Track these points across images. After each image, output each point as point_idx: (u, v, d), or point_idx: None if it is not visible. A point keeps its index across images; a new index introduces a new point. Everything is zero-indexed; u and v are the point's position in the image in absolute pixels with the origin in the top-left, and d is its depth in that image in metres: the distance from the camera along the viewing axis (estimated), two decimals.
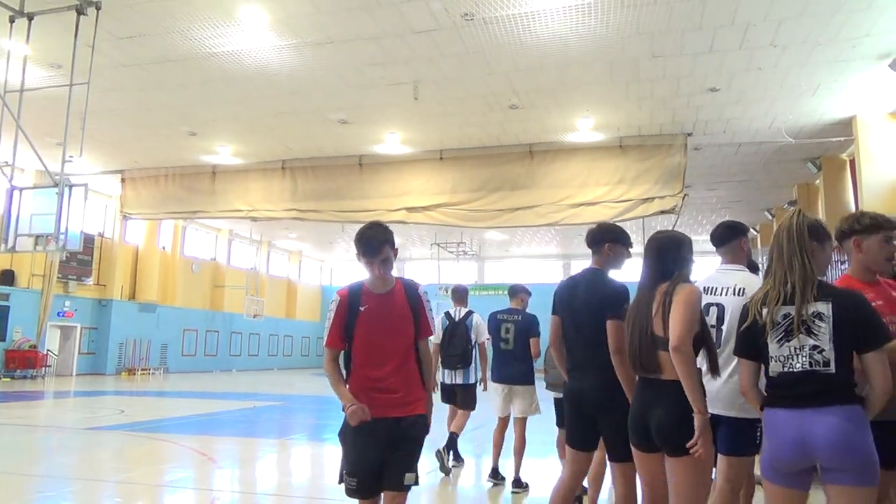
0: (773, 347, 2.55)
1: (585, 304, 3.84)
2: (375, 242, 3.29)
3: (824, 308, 2.44)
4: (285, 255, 41.90)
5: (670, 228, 4.50)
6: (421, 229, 23.74)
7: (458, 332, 7.02)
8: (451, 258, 33.45)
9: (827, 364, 2.42)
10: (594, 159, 17.43)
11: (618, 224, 4.28)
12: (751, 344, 2.68)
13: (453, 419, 7.30)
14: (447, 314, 7.31)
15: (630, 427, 3.20)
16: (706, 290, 3.71)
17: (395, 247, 3.41)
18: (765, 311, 2.60)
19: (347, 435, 3.25)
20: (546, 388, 6.07)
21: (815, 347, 2.43)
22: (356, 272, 3.81)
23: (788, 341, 2.49)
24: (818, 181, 20.92)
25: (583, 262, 25.75)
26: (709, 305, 3.60)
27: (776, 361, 2.54)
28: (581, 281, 3.97)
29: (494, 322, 6.65)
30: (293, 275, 42.78)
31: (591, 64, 13.70)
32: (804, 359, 2.45)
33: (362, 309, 3.32)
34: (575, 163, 17.42)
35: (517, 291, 6.89)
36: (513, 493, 6.33)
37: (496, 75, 14.27)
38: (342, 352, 3.36)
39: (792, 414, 2.49)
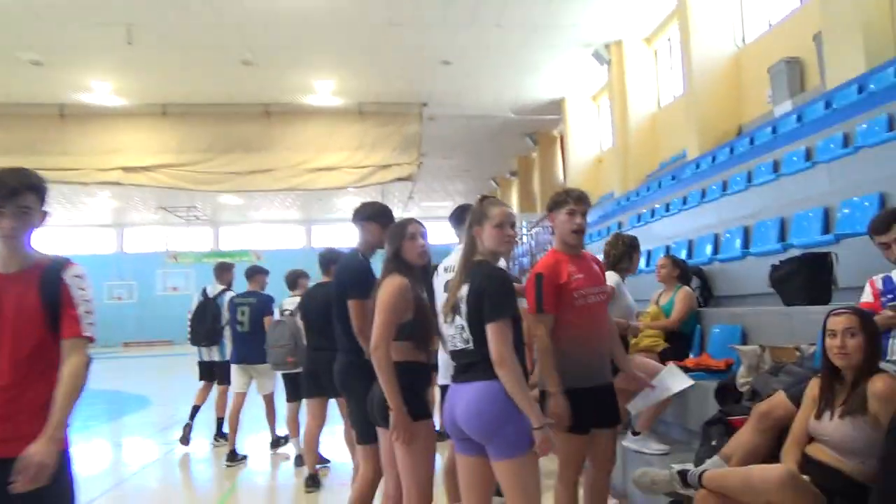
0: (446, 328, 2.69)
1: (336, 284, 3.70)
2: (12, 184, 2.17)
3: (464, 290, 2.57)
4: None
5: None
6: (144, 191, 21.19)
7: (207, 309, 6.94)
8: (180, 223, 30.74)
9: (468, 342, 2.55)
10: (334, 124, 17.09)
11: (377, 202, 3.92)
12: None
13: (204, 397, 7.11)
14: (203, 290, 7.17)
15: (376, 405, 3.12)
16: (446, 268, 3.67)
17: (45, 207, 2.29)
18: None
19: None
20: (272, 367, 6.14)
21: (461, 327, 2.58)
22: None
23: (453, 322, 2.64)
24: (535, 154, 23.16)
25: (323, 227, 25.25)
26: (446, 283, 3.54)
27: (448, 341, 2.70)
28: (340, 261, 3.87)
29: (232, 306, 6.65)
30: None
31: (330, 26, 13.22)
32: (457, 338, 2.61)
33: None
34: (314, 126, 16.89)
35: (254, 273, 6.87)
36: (296, 467, 6.09)
37: (226, 26, 13.05)
38: None
39: (451, 388, 2.66)
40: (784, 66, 10.17)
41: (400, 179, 16.90)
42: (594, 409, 3.03)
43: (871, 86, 7.08)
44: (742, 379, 3.67)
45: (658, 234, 8.61)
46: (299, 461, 5.90)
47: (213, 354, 7.01)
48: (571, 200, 3.15)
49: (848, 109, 7.07)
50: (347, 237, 28.63)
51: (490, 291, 2.50)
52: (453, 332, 2.63)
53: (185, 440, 6.90)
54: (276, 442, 6.71)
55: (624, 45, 15.15)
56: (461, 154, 23.50)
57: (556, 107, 18.87)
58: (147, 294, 31.48)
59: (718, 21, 11.97)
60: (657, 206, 10.23)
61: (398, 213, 4.04)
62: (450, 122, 19.37)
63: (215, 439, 7.02)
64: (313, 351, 4.99)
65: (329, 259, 5.28)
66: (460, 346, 2.60)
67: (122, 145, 16.36)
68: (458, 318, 2.59)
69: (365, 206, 3.82)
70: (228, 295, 6.96)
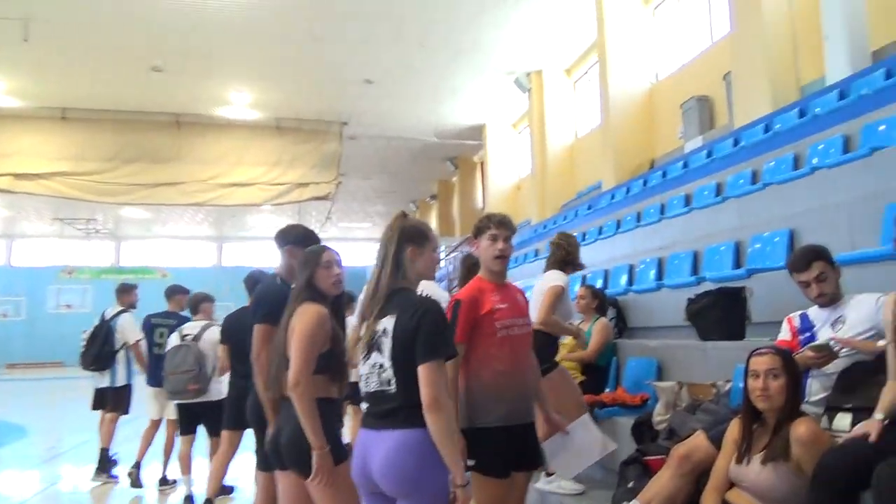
0: (360, 365, 2.37)
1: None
2: None
3: (389, 322, 2.25)
4: None
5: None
6: (38, 200, 19.68)
7: (100, 332, 6.50)
8: (79, 236, 28.82)
9: (389, 383, 2.25)
10: (250, 138, 16.50)
11: (301, 225, 3.63)
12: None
13: (106, 433, 6.52)
14: (103, 313, 6.75)
15: (267, 445, 2.87)
16: None
17: None
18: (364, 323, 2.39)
19: None
20: (169, 395, 5.59)
21: (379, 366, 2.26)
22: None
23: (368, 359, 2.32)
24: (455, 179, 23.22)
25: (236, 244, 24.20)
26: None
27: (362, 379, 2.37)
28: None
29: (149, 325, 6.28)
30: None
31: (249, 36, 12.75)
32: (373, 378, 2.29)
33: None
34: (228, 139, 16.24)
35: (174, 293, 6.54)
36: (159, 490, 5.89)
37: (134, 28, 12.33)
38: None
39: (364, 434, 2.32)
40: (695, 104, 10.56)
41: (317, 198, 16.46)
42: (516, 450, 2.81)
43: (777, 125, 7.37)
44: (659, 416, 3.57)
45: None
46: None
47: (104, 380, 6.52)
48: (493, 225, 2.97)
49: (755, 147, 7.33)
50: (261, 256, 27.75)
51: (427, 328, 2.21)
52: (367, 371, 2.31)
53: (135, 482, 6.21)
54: (165, 481, 6.13)
55: (544, 74, 15.43)
56: (381, 176, 23.25)
57: (477, 132, 19.00)
58: (37, 311, 29.12)
59: (635, 57, 12.35)
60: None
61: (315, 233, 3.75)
62: (371, 142, 19.12)
63: (160, 483, 6.40)
64: (239, 378, 4.61)
65: (257, 281, 4.95)
66: (376, 387, 2.28)
67: (15, 150, 15.16)
68: (375, 354, 2.28)
69: (290, 228, 3.53)
70: (125, 317, 6.54)
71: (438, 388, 2.16)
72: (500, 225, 2.99)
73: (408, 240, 2.38)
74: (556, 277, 4.22)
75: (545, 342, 4.06)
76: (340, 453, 2.66)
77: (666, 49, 12.23)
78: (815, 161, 5.58)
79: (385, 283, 2.34)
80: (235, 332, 4.72)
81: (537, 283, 4.32)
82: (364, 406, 2.41)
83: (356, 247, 30.55)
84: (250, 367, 3.69)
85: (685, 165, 9.49)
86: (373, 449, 2.24)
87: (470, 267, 4.02)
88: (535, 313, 4.12)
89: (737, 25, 9.03)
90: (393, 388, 2.23)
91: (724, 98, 9.88)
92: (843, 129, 5.77)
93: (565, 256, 4.36)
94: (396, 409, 2.22)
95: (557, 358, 4.69)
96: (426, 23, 12.61)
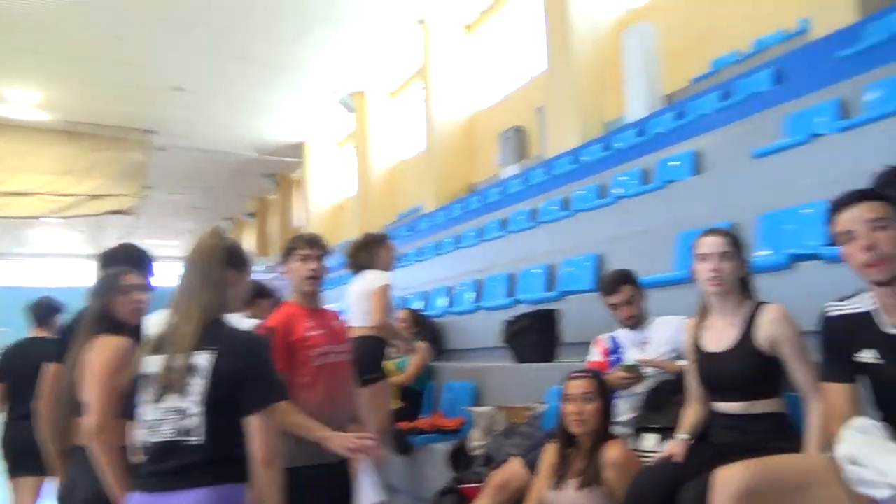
0: (143, 409, 1.89)
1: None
2: None
3: (203, 360, 1.84)
4: None
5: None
6: None
7: None
8: None
9: (191, 433, 1.82)
10: (36, 142, 14.57)
11: (134, 246, 2.95)
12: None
13: None
14: None
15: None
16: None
17: None
18: (152, 358, 1.91)
19: None
20: None
21: (180, 411, 1.82)
22: None
23: (159, 402, 1.86)
24: (274, 196, 22.33)
25: (12, 261, 21.07)
26: None
27: (142, 427, 1.89)
28: None
29: None
30: None
31: (37, 27, 11.21)
32: (166, 426, 1.83)
33: None
34: (6, 142, 14.17)
35: None
36: None
37: None
38: None
39: (141, 499, 1.85)
40: (512, 133, 11.04)
41: (117, 212, 14.88)
42: (328, 490, 2.54)
43: (584, 157, 7.86)
44: (475, 442, 3.47)
45: (394, 285, 8.51)
46: None
47: None
48: (304, 244, 2.70)
49: (565, 176, 7.75)
50: (42, 276, 24.46)
51: (259, 369, 1.88)
52: (158, 417, 1.85)
53: None
54: None
55: (367, 95, 15.37)
56: (194, 190, 21.71)
57: (299, 150, 18.43)
58: None
59: (456, 85, 12.71)
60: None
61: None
62: (182, 154, 17.71)
63: None
64: (19, 420, 3.82)
65: (49, 308, 4.13)
66: (170, 437, 1.83)
67: None
68: (173, 398, 1.84)
69: (118, 249, 2.91)
70: None
71: (275, 440, 1.84)
72: (311, 244, 2.72)
73: (231, 263, 1.98)
74: (380, 276, 3.89)
75: (374, 348, 3.81)
76: None
77: (486, 80, 12.73)
78: (617, 191, 5.97)
79: (199, 311, 1.90)
80: (17, 368, 3.95)
81: (354, 286, 4.03)
82: (137, 462, 1.94)
83: (164, 266, 28.23)
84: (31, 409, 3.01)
85: (503, 191, 9.84)
86: None
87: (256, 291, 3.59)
88: (359, 317, 3.87)
89: (550, 63, 9.61)
90: (198, 438, 1.82)
91: (538, 129, 10.44)
92: (641, 163, 6.26)
93: (367, 257, 4.06)
94: (199, 463, 1.82)
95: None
96: (246, 35, 12.01)
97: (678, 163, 5.59)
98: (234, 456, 1.86)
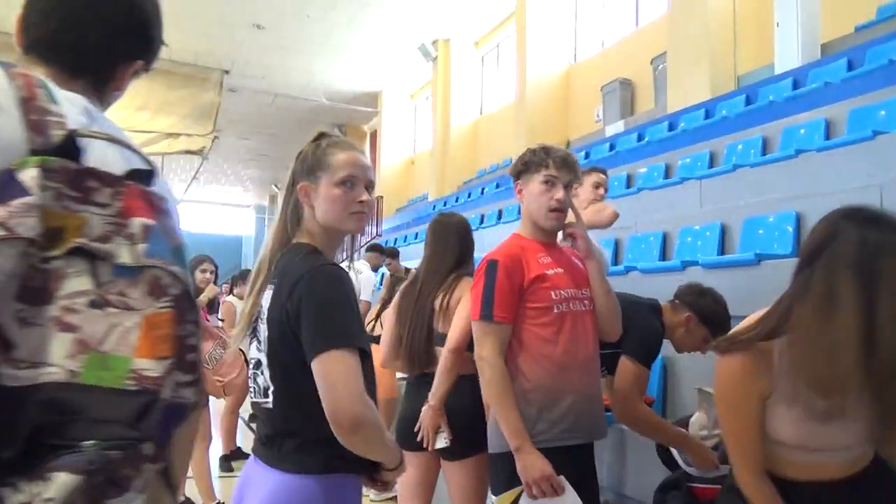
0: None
1: None
2: None
3: (267, 297, 1.45)
4: None
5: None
6: None
7: None
8: None
9: (266, 392, 1.45)
10: None
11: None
12: None
13: None
14: None
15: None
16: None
17: None
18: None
19: None
20: None
21: (259, 363, 1.47)
22: None
23: (251, 347, 1.52)
24: None
25: None
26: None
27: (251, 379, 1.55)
28: None
29: None
30: None
31: None
32: (257, 380, 1.49)
33: None
34: None
35: None
36: None
37: None
38: None
39: (248, 465, 1.52)
40: (617, 86, 10.16)
41: (190, 153, 14.43)
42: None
43: (723, 111, 6.98)
44: (701, 431, 2.81)
45: (489, 243, 7.89)
46: None
47: None
48: (552, 163, 2.02)
49: (700, 131, 6.91)
50: None
51: (316, 300, 1.35)
52: (252, 370, 1.50)
53: None
54: None
55: (452, 44, 14.56)
56: (260, 136, 21.32)
57: (373, 100, 17.78)
58: None
59: (553, 33, 11.80)
60: (487, 212, 9.56)
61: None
62: (252, 97, 17.27)
63: None
64: None
65: None
66: (256, 397, 1.49)
67: None
68: (255, 345, 1.49)
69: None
70: None
71: (348, 390, 1.29)
72: (564, 165, 2.04)
73: (301, 172, 1.51)
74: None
75: None
76: None
77: (587, 27, 11.79)
78: (794, 146, 5.13)
79: (272, 239, 1.52)
80: None
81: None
82: None
83: (224, 213, 28.26)
84: None
85: (611, 148, 9.02)
86: (251, 485, 1.45)
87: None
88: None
89: (672, 6, 8.65)
90: (270, 402, 1.43)
91: (649, 82, 9.54)
92: (815, 114, 5.39)
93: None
94: (276, 437, 1.42)
95: None
96: None
97: (883, 111, 4.71)
98: (309, 432, 1.37)
